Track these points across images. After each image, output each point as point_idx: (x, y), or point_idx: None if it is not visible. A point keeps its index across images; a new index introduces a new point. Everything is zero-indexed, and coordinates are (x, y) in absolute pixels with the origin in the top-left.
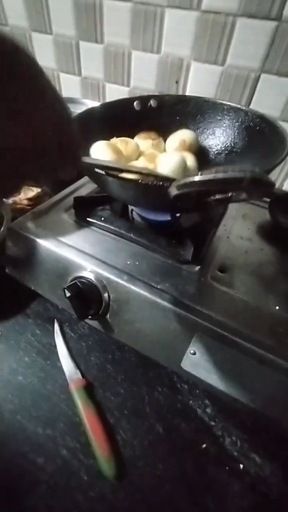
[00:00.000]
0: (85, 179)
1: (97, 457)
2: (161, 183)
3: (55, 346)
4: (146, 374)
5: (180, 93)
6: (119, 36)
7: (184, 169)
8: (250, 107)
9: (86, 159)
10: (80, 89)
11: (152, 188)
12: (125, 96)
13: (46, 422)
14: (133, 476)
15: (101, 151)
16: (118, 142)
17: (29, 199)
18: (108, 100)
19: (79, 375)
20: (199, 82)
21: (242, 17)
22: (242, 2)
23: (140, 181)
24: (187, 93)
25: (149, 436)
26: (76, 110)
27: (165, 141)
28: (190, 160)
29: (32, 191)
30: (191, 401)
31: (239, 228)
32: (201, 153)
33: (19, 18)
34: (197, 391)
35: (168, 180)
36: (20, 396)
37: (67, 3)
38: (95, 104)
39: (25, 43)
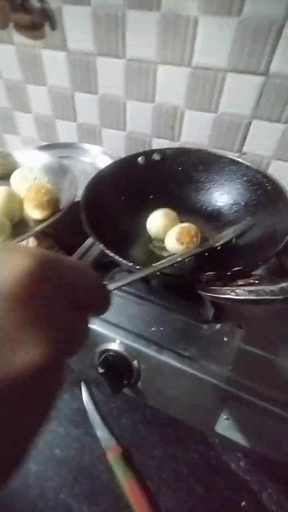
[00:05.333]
0: (90, 241)
1: None
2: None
3: (85, 411)
4: (178, 431)
5: (176, 137)
6: (113, 88)
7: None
8: (244, 149)
9: (111, 286)
10: (77, 134)
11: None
12: (122, 140)
13: (90, 499)
14: None
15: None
16: None
17: None
18: (105, 143)
19: (114, 441)
20: (194, 128)
21: (232, 73)
22: (231, 59)
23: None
24: (182, 137)
25: (190, 500)
26: (75, 154)
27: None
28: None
29: (41, 243)
30: (223, 456)
31: None
32: (215, 210)
33: (13, 72)
34: (229, 444)
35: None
36: (60, 472)
37: (61, 59)
38: (94, 148)
39: (20, 93)
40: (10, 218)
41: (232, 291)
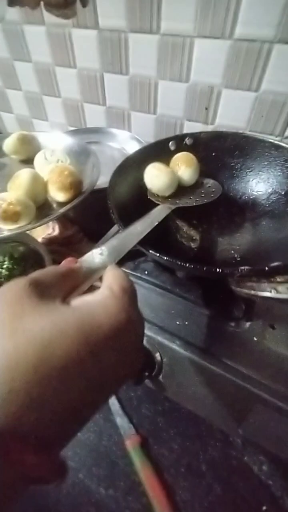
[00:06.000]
0: (115, 228)
1: None
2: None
3: None
4: (198, 427)
5: (210, 120)
6: (144, 68)
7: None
8: (287, 132)
9: None
10: (105, 118)
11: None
12: (152, 124)
13: (107, 481)
14: None
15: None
16: None
17: (65, 238)
18: (133, 128)
19: (133, 430)
20: (231, 109)
21: (279, 44)
22: (280, 28)
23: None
24: (217, 120)
25: (208, 497)
26: (103, 140)
27: None
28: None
29: (67, 230)
30: (246, 457)
31: None
32: (250, 200)
33: (43, 54)
34: (252, 446)
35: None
36: (80, 453)
37: (91, 39)
38: (122, 133)
39: (49, 77)
40: (34, 200)
41: (273, 288)
